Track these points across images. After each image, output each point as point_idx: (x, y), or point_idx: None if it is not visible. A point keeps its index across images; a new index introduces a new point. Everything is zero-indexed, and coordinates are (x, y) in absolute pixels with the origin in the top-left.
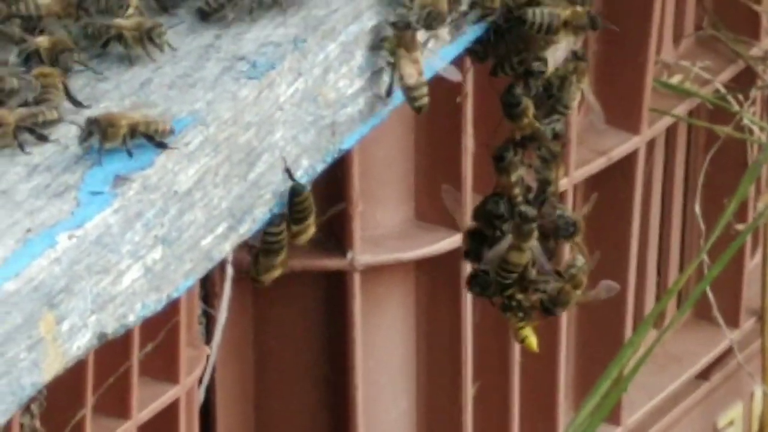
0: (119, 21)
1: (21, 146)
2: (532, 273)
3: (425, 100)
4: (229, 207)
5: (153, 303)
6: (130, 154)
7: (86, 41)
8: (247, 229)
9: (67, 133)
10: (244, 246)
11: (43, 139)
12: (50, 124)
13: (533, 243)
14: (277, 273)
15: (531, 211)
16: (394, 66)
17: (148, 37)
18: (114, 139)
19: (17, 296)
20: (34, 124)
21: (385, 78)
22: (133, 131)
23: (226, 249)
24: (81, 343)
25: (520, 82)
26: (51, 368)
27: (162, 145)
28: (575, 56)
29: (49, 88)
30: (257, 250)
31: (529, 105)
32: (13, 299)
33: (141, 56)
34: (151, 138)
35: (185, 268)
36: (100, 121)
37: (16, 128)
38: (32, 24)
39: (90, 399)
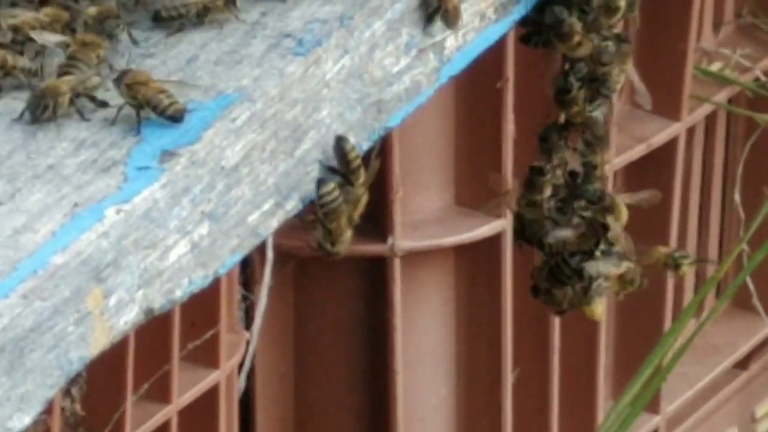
0: None
1: (80, 113)
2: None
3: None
4: (275, 183)
5: (200, 279)
6: (81, 115)
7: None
8: (293, 206)
9: (113, 108)
10: (295, 228)
11: (103, 105)
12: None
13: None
14: (348, 236)
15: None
16: None
17: (230, 1)
18: (63, 106)
19: (65, 270)
20: (86, 89)
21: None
22: (77, 94)
23: (273, 225)
24: (128, 318)
25: (571, 68)
26: (98, 343)
27: (103, 104)
28: (618, 39)
29: (81, 55)
30: (319, 221)
31: (580, 93)
32: (61, 273)
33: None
34: (93, 98)
35: (232, 244)
36: (45, 91)
37: (73, 96)
38: None
39: (131, 383)
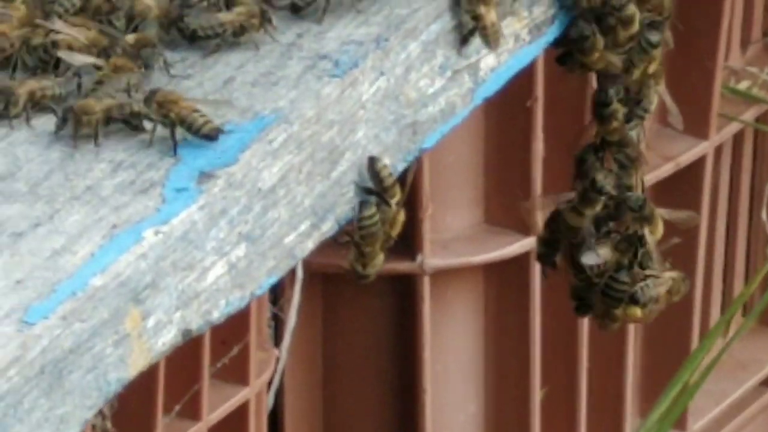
0: (228, 15)
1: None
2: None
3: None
4: (312, 205)
5: (237, 300)
6: (96, 140)
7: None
8: (329, 227)
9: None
10: (333, 246)
11: (137, 129)
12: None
13: (593, 212)
14: (381, 260)
15: (605, 183)
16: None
17: (267, 20)
18: (88, 126)
19: (104, 291)
20: (121, 114)
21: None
22: (108, 117)
23: (309, 247)
24: (166, 339)
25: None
26: (136, 364)
27: (137, 128)
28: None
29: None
30: (355, 244)
31: (619, 108)
32: (100, 294)
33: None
34: (128, 122)
35: (268, 266)
36: (75, 110)
37: (105, 117)
38: (133, 23)
39: (161, 400)
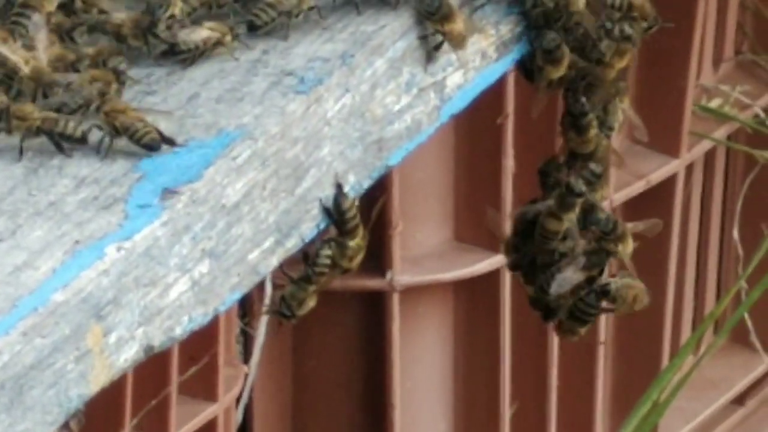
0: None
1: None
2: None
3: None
4: (276, 221)
5: (200, 316)
6: (21, 152)
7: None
8: (293, 244)
9: (114, 146)
10: (293, 261)
11: (59, 148)
12: (69, 138)
13: (572, 216)
14: (312, 304)
15: (578, 185)
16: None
17: (237, 36)
18: (17, 131)
19: (65, 307)
20: (53, 130)
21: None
22: (39, 128)
23: (273, 263)
24: (128, 355)
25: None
26: (98, 380)
27: (60, 148)
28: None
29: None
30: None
31: (594, 117)
32: (62, 310)
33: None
34: (54, 137)
35: (232, 282)
36: (11, 112)
37: (38, 129)
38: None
39: (129, 416)
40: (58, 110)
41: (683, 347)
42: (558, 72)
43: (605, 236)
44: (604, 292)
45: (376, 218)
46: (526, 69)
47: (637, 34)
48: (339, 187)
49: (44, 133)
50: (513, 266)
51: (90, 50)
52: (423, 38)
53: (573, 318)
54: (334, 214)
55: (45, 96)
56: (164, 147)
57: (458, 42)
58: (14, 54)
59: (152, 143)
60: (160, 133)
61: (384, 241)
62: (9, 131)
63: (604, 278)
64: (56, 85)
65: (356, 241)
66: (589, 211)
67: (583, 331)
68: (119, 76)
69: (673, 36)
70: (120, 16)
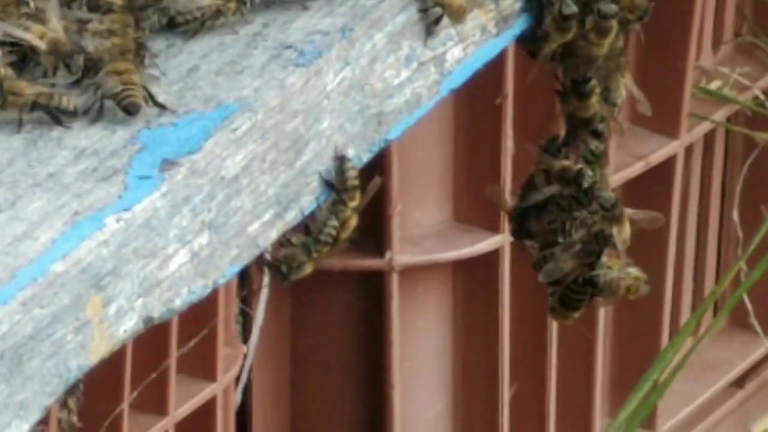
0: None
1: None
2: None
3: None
4: (275, 194)
5: (199, 288)
6: (20, 124)
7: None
8: (293, 216)
9: (114, 117)
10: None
11: (57, 122)
12: (64, 112)
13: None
14: (308, 270)
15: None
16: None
17: (242, 3)
18: (11, 107)
19: (65, 277)
20: (48, 104)
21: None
22: (35, 103)
23: (273, 236)
24: (127, 326)
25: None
26: (97, 351)
27: (58, 121)
28: (614, 53)
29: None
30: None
31: (596, 83)
32: (61, 280)
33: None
34: (51, 111)
35: (231, 255)
36: (4, 88)
37: (34, 103)
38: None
39: (128, 395)
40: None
41: (683, 328)
42: (564, 38)
43: (605, 212)
44: (592, 283)
45: (370, 196)
46: (527, 41)
47: (616, 13)
48: (340, 158)
49: (40, 108)
50: (517, 234)
51: (105, 20)
52: (423, 11)
53: (563, 304)
54: (336, 173)
55: (67, 67)
56: (163, 118)
57: (458, 15)
58: (26, 32)
59: (130, 107)
60: (153, 98)
61: (383, 221)
62: (3, 107)
63: (598, 267)
64: (76, 53)
65: (353, 205)
66: (591, 188)
67: (575, 315)
68: (140, 48)
69: (673, 18)
70: None
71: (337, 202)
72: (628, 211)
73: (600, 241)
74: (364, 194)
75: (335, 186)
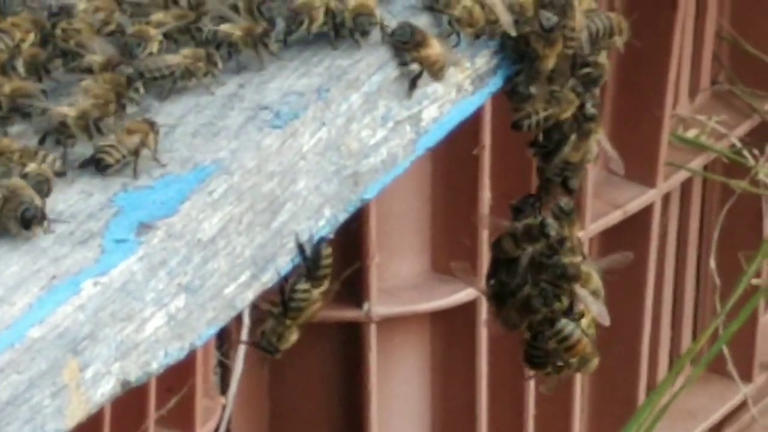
0: (227, 27)
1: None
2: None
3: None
4: (252, 255)
5: (176, 351)
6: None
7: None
8: (269, 277)
9: (91, 179)
10: (271, 292)
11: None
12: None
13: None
14: (294, 338)
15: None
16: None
17: (261, 42)
18: None
19: (42, 343)
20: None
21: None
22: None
23: (249, 297)
24: (104, 390)
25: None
26: (74, 415)
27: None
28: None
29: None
30: (279, 313)
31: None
32: (38, 346)
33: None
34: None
35: (208, 317)
36: None
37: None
38: None
39: None
40: None
41: (661, 384)
42: (555, 52)
43: (564, 216)
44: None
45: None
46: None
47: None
48: (301, 248)
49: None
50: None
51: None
52: (403, 65)
53: (527, 360)
54: (312, 254)
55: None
56: (140, 181)
57: (437, 69)
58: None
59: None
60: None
61: (361, 273)
62: None
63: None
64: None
65: (320, 291)
66: (561, 240)
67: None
68: (153, 126)
69: (650, 66)
70: (95, 58)
71: (306, 278)
72: (593, 263)
73: (548, 295)
74: (334, 277)
75: (306, 264)
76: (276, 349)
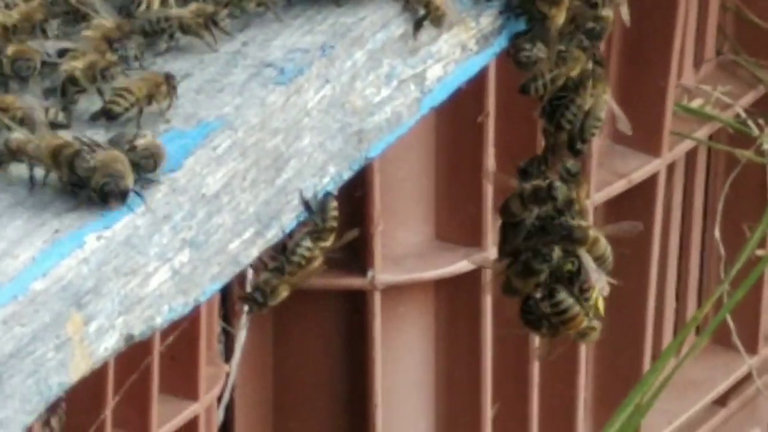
0: (178, 10)
1: None
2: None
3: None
4: (256, 212)
5: (180, 306)
6: None
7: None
8: (273, 234)
9: (96, 135)
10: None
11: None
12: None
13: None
14: (284, 295)
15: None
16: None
17: (212, 22)
18: None
19: (45, 295)
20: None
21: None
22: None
23: (253, 254)
24: (108, 344)
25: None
26: (78, 369)
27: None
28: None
29: None
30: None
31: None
32: (41, 298)
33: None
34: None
35: (212, 272)
36: None
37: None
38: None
39: (110, 415)
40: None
41: (665, 351)
42: (562, 11)
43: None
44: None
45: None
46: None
47: None
48: (306, 204)
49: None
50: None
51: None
52: (406, 4)
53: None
54: (319, 209)
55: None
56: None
57: (439, 14)
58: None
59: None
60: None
61: (365, 240)
62: None
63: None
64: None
65: (325, 244)
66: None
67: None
68: (170, 81)
69: (654, 36)
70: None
71: (312, 233)
72: (606, 228)
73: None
74: (337, 239)
75: (314, 219)
76: (264, 303)
